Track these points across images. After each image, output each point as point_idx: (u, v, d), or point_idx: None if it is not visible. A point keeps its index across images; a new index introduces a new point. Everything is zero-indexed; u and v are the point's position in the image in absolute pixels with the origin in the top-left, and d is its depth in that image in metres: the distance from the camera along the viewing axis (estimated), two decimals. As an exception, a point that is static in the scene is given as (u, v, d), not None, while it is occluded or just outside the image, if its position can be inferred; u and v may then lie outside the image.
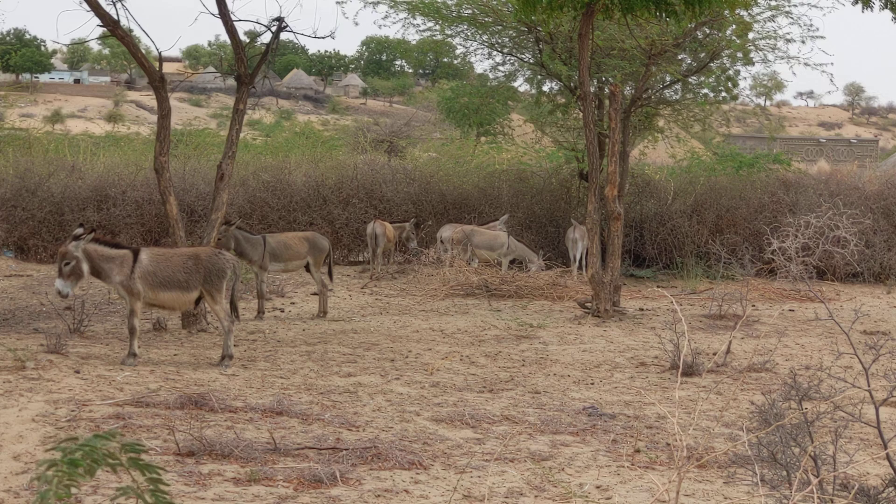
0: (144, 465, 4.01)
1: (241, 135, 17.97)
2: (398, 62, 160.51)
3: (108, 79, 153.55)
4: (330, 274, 19.47)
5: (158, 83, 16.98)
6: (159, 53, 17.54)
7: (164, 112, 17.15)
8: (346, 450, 9.17)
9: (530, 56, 25.44)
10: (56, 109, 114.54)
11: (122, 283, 13.45)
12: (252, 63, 17.77)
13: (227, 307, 13.90)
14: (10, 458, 8.71)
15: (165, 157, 17.08)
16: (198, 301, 14.11)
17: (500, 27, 24.21)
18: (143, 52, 17.54)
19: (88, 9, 16.47)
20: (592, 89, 21.01)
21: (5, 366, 12.79)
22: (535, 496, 8.15)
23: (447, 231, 24.69)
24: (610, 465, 9.24)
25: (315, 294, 20.39)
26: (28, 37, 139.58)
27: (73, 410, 10.51)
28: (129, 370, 12.93)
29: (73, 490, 3.94)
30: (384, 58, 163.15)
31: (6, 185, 28.63)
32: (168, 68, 17.54)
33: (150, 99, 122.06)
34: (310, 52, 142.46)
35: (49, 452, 8.32)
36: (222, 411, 10.68)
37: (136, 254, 13.58)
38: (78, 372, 12.65)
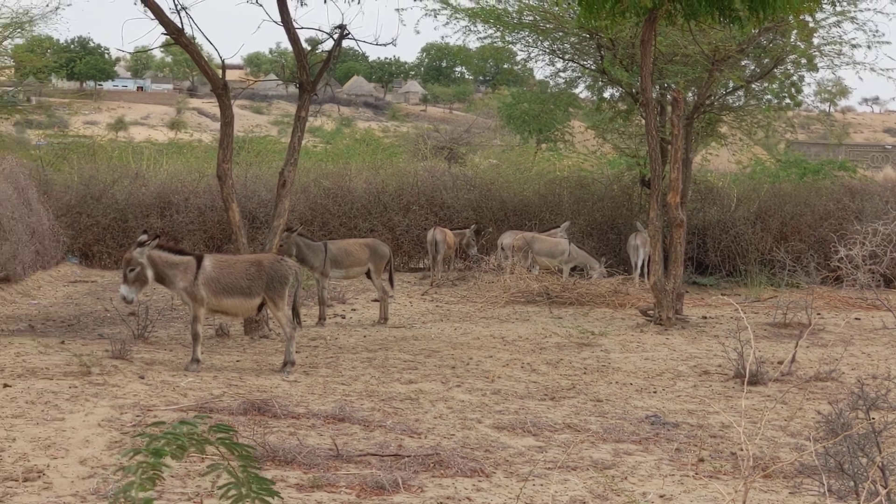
0: (235, 444, 4.03)
1: (303, 142, 18.04)
2: (458, 69, 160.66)
3: (170, 86, 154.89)
4: (391, 280, 19.49)
5: (221, 90, 17.09)
6: (222, 61, 17.64)
7: (226, 119, 17.26)
8: (407, 457, 9.16)
9: (591, 62, 25.32)
10: (119, 117, 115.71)
11: (185, 290, 13.54)
12: (314, 70, 17.84)
13: (289, 313, 13.94)
14: (76, 462, 8.78)
15: (228, 164, 17.19)
16: (260, 307, 14.16)
17: (561, 33, 24.12)
18: (206, 59, 17.65)
19: (153, 17, 16.63)
20: (654, 95, 20.85)
21: (71, 371, 12.92)
22: (599, 505, 8.09)
23: (508, 238, 24.65)
24: (673, 474, 9.16)
25: (376, 301, 20.42)
26: (92, 45, 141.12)
27: (138, 416, 10.59)
28: (192, 376, 13.01)
29: (157, 485, 3.95)
30: (444, 64, 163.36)
31: (71, 192, 28.96)
32: (230, 76, 17.65)
33: (211, 106, 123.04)
34: (370, 59, 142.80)
35: (115, 457, 8.39)
36: (285, 417, 10.71)
37: (199, 260, 13.66)
38: (142, 377, 12.75)
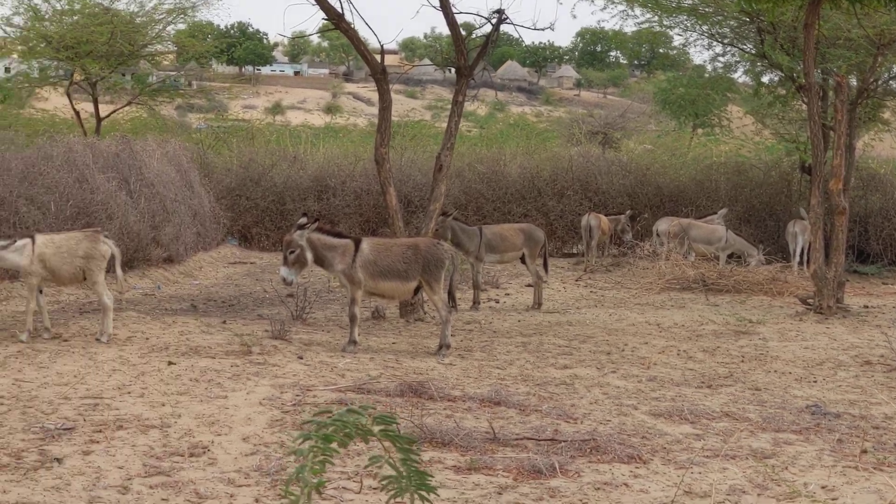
0: (396, 435, 4.08)
1: (459, 126, 18.11)
2: (613, 53, 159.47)
3: (326, 71, 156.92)
4: (545, 266, 19.47)
5: (380, 75, 17.25)
6: (381, 46, 17.80)
7: (385, 104, 17.42)
8: (564, 441, 9.14)
9: (751, 46, 24.91)
10: (277, 101, 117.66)
11: (343, 272, 13.72)
12: (471, 55, 17.88)
13: (445, 297, 14.02)
14: (239, 439, 8.98)
15: (386, 148, 17.36)
16: (416, 291, 14.27)
17: (720, 17, 23.79)
18: (364, 43, 17.83)
19: (314, 2, 16.86)
20: (816, 80, 20.42)
21: (232, 350, 13.21)
22: (758, 494, 7.97)
23: (663, 224, 24.42)
24: (835, 465, 8.97)
25: (530, 286, 20.43)
26: (251, 30, 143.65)
27: (297, 395, 10.78)
28: (349, 357, 13.18)
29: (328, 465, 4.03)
30: (599, 49, 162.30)
31: (231, 175, 29.57)
32: (386, 60, 17.78)
33: (366, 91, 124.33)
34: (525, 43, 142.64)
35: (276, 435, 8.56)
36: (441, 400, 10.78)
37: (357, 243, 13.83)
38: (301, 358, 12.97)
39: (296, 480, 3.86)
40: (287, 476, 7.71)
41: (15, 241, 13.52)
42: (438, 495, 4.59)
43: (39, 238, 13.74)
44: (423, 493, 4.18)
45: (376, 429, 4.10)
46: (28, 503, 7.08)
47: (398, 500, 4.30)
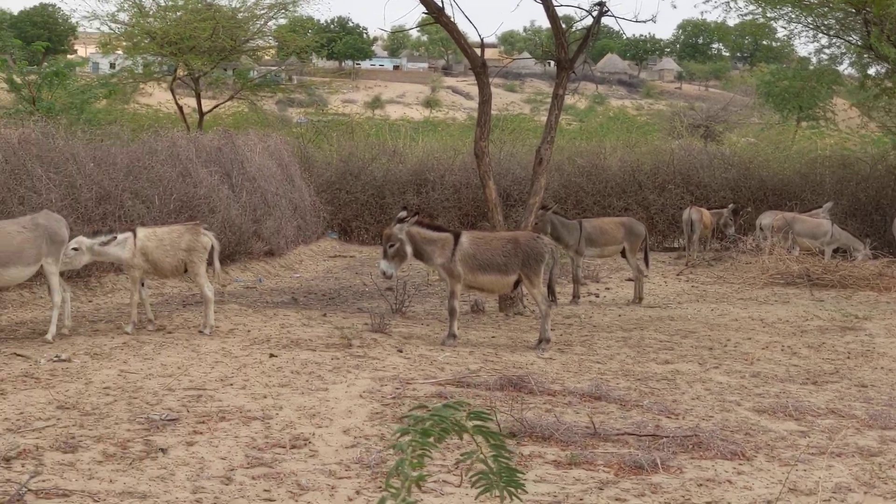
0: (489, 432, 4.06)
1: (559, 120, 18.02)
2: (715, 45, 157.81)
3: (425, 65, 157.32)
4: (646, 260, 19.30)
5: (480, 69, 17.23)
6: (481, 40, 17.78)
7: (485, 98, 17.39)
8: (666, 437, 9.05)
9: (857, 38, 24.47)
10: (376, 95, 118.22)
11: (443, 266, 13.72)
12: (571, 48, 17.79)
13: (545, 291, 13.95)
14: (340, 431, 9.01)
15: (485, 141, 17.33)
16: (516, 284, 14.22)
17: (826, 8, 23.39)
18: (464, 37, 17.82)
19: (416, -3, 16.90)
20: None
21: (333, 343, 13.29)
22: (865, 492, 7.81)
23: (767, 218, 24.08)
24: (945, 464, 8.76)
25: (630, 280, 20.30)
26: (351, 25, 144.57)
27: (397, 388, 10.80)
28: (449, 351, 13.19)
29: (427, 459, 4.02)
30: (701, 41, 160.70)
31: (331, 169, 29.76)
32: (486, 54, 17.74)
33: (465, 84, 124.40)
34: (625, 36, 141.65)
35: (376, 427, 8.58)
36: (541, 394, 10.73)
37: (457, 237, 13.81)
38: (401, 351, 13.00)
39: (396, 474, 3.85)
40: (387, 469, 7.73)
41: (116, 236, 13.71)
42: (527, 492, 4.56)
43: (141, 231, 13.95)
44: (512, 490, 4.16)
45: (470, 424, 4.08)
46: (134, 492, 7.17)
47: (491, 495, 4.29)
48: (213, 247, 14.24)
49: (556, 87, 17.66)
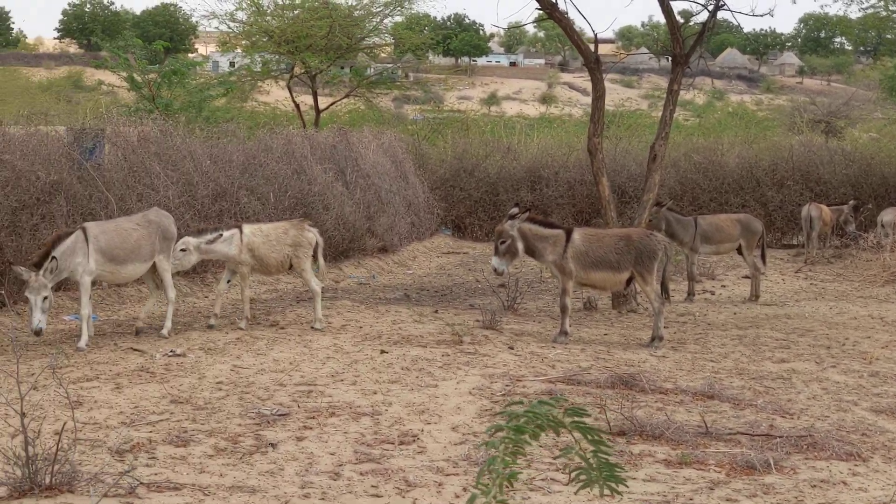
0: (587, 429, 4.02)
1: (674, 116, 17.82)
2: (838, 39, 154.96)
3: (542, 61, 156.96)
4: (763, 257, 18.98)
5: (593, 64, 17.11)
6: (595, 35, 17.64)
7: (598, 93, 17.27)
8: (779, 437, 8.87)
9: None
10: (492, 92, 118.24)
11: (554, 262, 13.64)
12: (687, 43, 17.58)
13: (658, 289, 13.80)
14: (448, 428, 9.01)
15: (598, 138, 17.21)
16: (628, 282, 14.08)
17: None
18: (578, 33, 17.71)
19: (529, -7, 16.83)
20: None
21: (444, 339, 13.29)
22: None
23: (889, 215, 23.56)
24: None
25: (746, 277, 20.01)
26: (467, 21, 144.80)
27: (507, 385, 10.76)
28: (560, 348, 13.11)
29: (518, 459, 3.99)
30: (823, 35, 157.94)
31: (445, 166, 29.82)
32: (601, 50, 17.63)
33: (582, 81, 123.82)
34: (745, 30, 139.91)
35: (486, 424, 8.55)
36: (652, 392, 10.61)
37: (568, 234, 13.71)
38: (511, 348, 12.96)
39: (488, 471, 3.83)
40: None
41: (221, 233, 13.83)
42: (627, 486, 4.50)
43: (247, 228, 14.08)
44: (612, 485, 4.10)
45: (567, 421, 4.04)
46: (243, 487, 7.23)
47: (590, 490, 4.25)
48: (317, 243, 14.35)
49: (671, 82, 17.47)
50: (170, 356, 11.97)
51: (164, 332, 13.29)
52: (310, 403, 9.74)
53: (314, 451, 8.16)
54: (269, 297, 17.12)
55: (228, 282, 14.37)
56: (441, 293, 18.91)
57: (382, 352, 12.37)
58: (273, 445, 8.27)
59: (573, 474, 4.15)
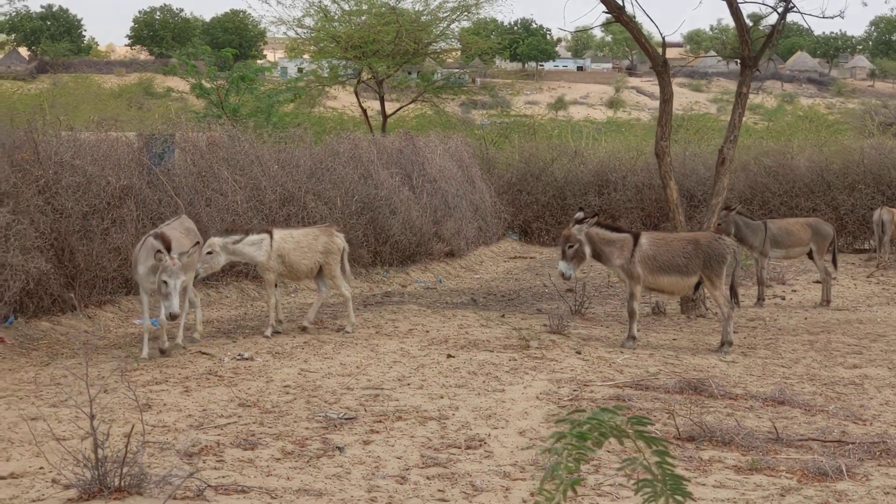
0: (651, 438, 3.96)
1: (743, 119, 17.64)
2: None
3: (609, 65, 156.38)
4: (834, 261, 18.74)
5: (661, 68, 17.00)
6: (662, 38, 17.52)
7: (666, 97, 17.15)
8: (852, 443, 8.74)
9: None
10: (559, 96, 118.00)
11: (622, 267, 13.54)
12: (756, 46, 17.41)
13: (727, 293, 13.66)
14: (515, 433, 8.96)
15: (666, 141, 17.08)
16: (697, 286, 13.94)
17: None
18: (646, 37, 17.60)
19: (595, -4, 16.76)
20: None
21: (510, 344, 13.25)
22: None
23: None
24: None
25: (817, 282, 19.77)
26: (534, 26, 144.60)
27: (574, 390, 10.70)
28: (628, 353, 13.01)
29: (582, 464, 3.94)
30: (894, 38, 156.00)
31: (512, 170, 29.77)
32: (669, 53, 17.51)
33: (650, 85, 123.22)
34: (815, 33, 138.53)
35: (553, 429, 8.50)
36: (722, 398, 10.50)
37: (636, 238, 13.61)
38: (579, 353, 12.88)
39: (551, 478, 3.79)
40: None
41: (248, 235, 13.78)
42: (695, 500, 4.43)
43: (277, 233, 14.04)
44: (680, 499, 4.04)
45: (632, 429, 3.98)
46: (310, 490, 7.24)
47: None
48: (343, 249, 14.37)
49: (740, 85, 17.30)
50: (238, 360, 12.04)
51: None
52: (377, 407, 9.74)
53: (381, 455, 8.16)
54: (335, 301, 17.15)
55: (276, 286, 14.38)
56: (508, 298, 18.86)
57: (449, 356, 12.35)
58: (340, 449, 8.27)
59: (638, 486, 4.09)
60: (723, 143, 17.32)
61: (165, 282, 11.72)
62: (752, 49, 17.13)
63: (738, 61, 17.45)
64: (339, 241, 14.37)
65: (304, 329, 14.13)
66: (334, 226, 14.95)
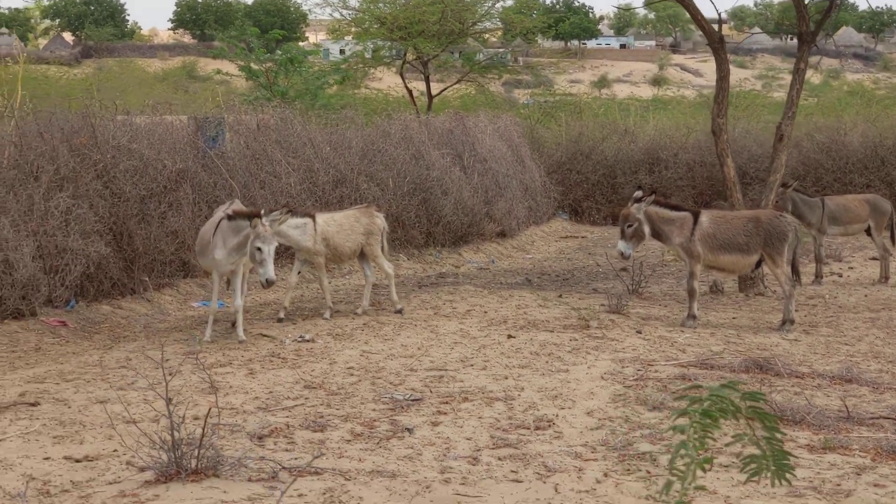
0: (765, 414, 3.91)
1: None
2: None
3: (652, 43, 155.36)
4: (892, 238, 18.52)
5: (717, 44, 16.84)
6: (718, 15, 17.37)
7: (722, 73, 16.99)
8: (924, 422, 8.65)
9: None
10: (602, 75, 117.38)
11: (682, 245, 13.45)
12: (813, 20, 17.21)
13: (788, 271, 13.54)
14: (583, 413, 8.92)
15: (723, 118, 16.92)
16: (757, 264, 13.82)
17: None
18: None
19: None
20: None
21: (570, 324, 13.20)
22: None
23: None
24: None
25: (874, 258, 19.60)
26: (576, 4, 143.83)
27: (639, 370, 10.64)
28: (689, 332, 12.94)
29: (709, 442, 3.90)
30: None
31: (561, 150, 29.64)
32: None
33: (694, 62, 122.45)
34: (861, 8, 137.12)
35: (620, 408, 8.45)
36: (788, 376, 10.41)
37: (696, 216, 13.50)
38: (639, 332, 12.83)
39: (680, 457, 3.74)
40: (635, 452, 7.61)
41: (289, 216, 13.28)
42: (795, 476, 4.38)
43: (321, 217, 13.95)
44: (783, 473, 4.00)
45: (746, 405, 3.93)
46: (383, 471, 7.23)
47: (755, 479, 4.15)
48: (383, 229, 14.34)
49: (798, 61, 17.09)
50: (299, 342, 12.06)
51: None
52: (442, 388, 9.73)
53: (450, 436, 8.14)
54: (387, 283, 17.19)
55: (299, 273, 14.32)
56: (562, 277, 18.79)
57: (510, 336, 12.33)
58: (409, 430, 8.26)
59: (744, 461, 4.04)
60: (781, 120, 17.14)
61: (260, 248, 11.69)
62: (809, 24, 16.93)
63: (796, 36, 17.24)
64: (380, 221, 14.35)
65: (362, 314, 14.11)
66: (373, 206, 14.90)
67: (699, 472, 3.76)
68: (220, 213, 12.77)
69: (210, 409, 7.56)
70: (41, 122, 14.85)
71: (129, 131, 15.52)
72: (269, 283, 11.83)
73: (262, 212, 12.05)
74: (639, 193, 13.58)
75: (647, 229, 13.46)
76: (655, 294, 16.43)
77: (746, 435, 3.95)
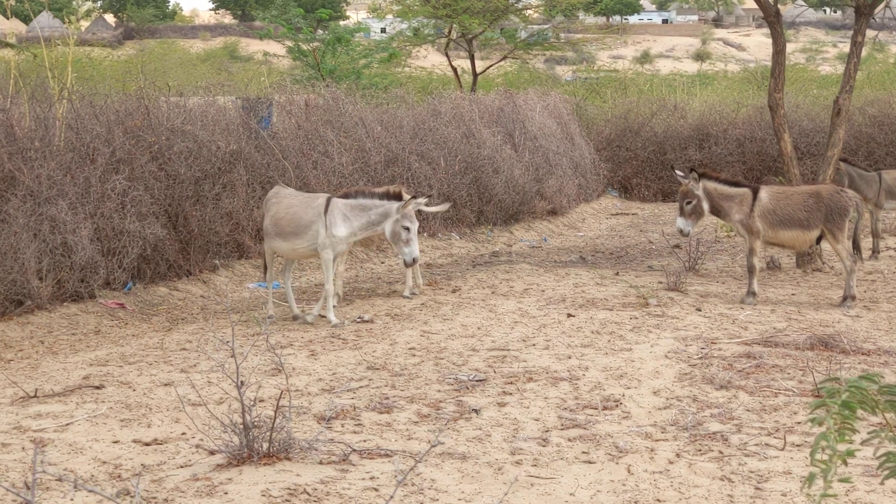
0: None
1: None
2: None
3: (695, 17, 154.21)
4: (949, 212, 18.30)
5: (773, 18, 16.64)
6: (773, -13, 17.14)
7: (779, 48, 16.76)
8: None
9: None
10: (645, 50, 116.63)
11: (741, 222, 13.31)
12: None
13: (849, 246, 13.37)
14: (649, 392, 8.84)
15: (780, 93, 16.72)
16: (817, 240, 13.65)
17: None
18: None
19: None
20: None
21: (629, 302, 13.11)
22: None
23: None
24: None
25: (931, 233, 19.37)
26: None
27: (703, 348, 10.54)
28: (749, 309, 12.81)
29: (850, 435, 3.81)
30: None
31: (610, 126, 29.45)
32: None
33: (736, 36, 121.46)
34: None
35: (687, 388, 8.36)
36: (854, 353, 10.27)
37: (755, 192, 13.36)
38: (699, 310, 12.71)
39: (821, 449, 3.65)
40: (705, 431, 7.52)
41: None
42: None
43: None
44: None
45: (883, 399, 3.83)
46: (453, 453, 7.18)
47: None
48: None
49: (855, 33, 16.83)
50: (358, 322, 12.03)
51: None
52: (505, 369, 9.66)
53: (518, 417, 8.09)
54: (446, 261, 17.11)
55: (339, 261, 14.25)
56: (616, 255, 18.67)
57: (569, 315, 12.24)
58: (476, 411, 8.21)
59: (881, 458, 3.92)
60: (838, 94, 16.88)
61: (407, 227, 11.80)
62: (868, -4, 16.68)
63: (854, 9, 17.00)
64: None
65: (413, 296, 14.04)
66: (403, 186, 14.76)
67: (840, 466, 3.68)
68: (294, 194, 12.69)
69: (282, 392, 7.53)
70: (95, 104, 14.86)
71: (181, 113, 15.50)
72: (414, 262, 12.03)
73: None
74: (679, 174, 13.52)
75: (706, 206, 13.35)
76: (711, 271, 16.29)
77: (882, 432, 3.84)
